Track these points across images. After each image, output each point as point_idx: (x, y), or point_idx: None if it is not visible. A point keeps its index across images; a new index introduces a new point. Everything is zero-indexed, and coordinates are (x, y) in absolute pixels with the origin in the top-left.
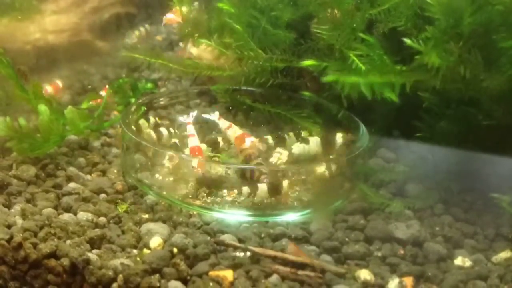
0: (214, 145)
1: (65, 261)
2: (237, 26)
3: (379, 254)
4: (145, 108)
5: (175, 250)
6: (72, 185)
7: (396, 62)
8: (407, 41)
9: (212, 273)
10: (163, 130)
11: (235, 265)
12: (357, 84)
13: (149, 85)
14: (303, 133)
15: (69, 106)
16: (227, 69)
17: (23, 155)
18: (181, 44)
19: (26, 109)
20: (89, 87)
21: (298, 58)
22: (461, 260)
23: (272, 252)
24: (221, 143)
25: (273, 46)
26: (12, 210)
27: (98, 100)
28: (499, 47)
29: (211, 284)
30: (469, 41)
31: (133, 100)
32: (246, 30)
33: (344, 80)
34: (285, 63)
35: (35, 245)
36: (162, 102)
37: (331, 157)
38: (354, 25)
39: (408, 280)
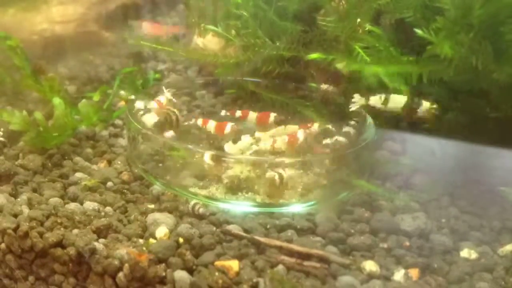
0: None
1: (72, 250)
2: (244, 13)
3: (385, 245)
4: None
5: (181, 240)
6: (78, 174)
7: (403, 54)
8: (419, 31)
9: (218, 263)
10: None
11: (240, 255)
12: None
13: (157, 75)
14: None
15: (83, 100)
16: (233, 57)
17: (34, 147)
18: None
19: (32, 98)
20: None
21: (304, 48)
22: (467, 252)
23: (278, 243)
24: None
25: (279, 36)
26: (19, 199)
27: None
28: (509, 39)
29: (216, 274)
30: (479, 33)
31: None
32: (252, 18)
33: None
34: (292, 53)
35: (41, 234)
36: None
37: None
38: (359, 19)
39: (414, 272)
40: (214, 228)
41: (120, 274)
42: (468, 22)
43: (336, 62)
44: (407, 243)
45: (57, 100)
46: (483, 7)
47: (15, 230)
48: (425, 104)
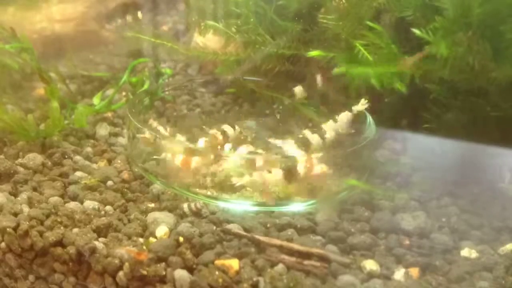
0: None
1: (72, 249)
2: (245, 9)
3: (385, 244)
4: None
5: (181, 239)
6: (78, 173)
7: (404, 53)
8: (416, 31)
9: (218, 262)
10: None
11: (241, 254)
12: (366, 74)
13: (168, 71)
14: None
15: (81, 107)
16: (233, 54)
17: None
18: None
19: (32, 97)
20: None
21: (304, 46)
22: (468, 251)
23: (278, 242)
24: None
25: (279, 34)
26: (19, 198)
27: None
28: (508, 38)
29: (217, 273)
30: (478, 32)
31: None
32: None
33: (353, 72)
34: (292, 51)
35: (41, 233)
36: (167, 92)
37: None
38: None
39: (414, 271)
40: (214, 227)
41: (120, 273)
42: (467, 21)
43: (336, 63)
44: (407, 242)
45: (55, 104)
46: (482, 6)
47: (15, 229)
48: None
